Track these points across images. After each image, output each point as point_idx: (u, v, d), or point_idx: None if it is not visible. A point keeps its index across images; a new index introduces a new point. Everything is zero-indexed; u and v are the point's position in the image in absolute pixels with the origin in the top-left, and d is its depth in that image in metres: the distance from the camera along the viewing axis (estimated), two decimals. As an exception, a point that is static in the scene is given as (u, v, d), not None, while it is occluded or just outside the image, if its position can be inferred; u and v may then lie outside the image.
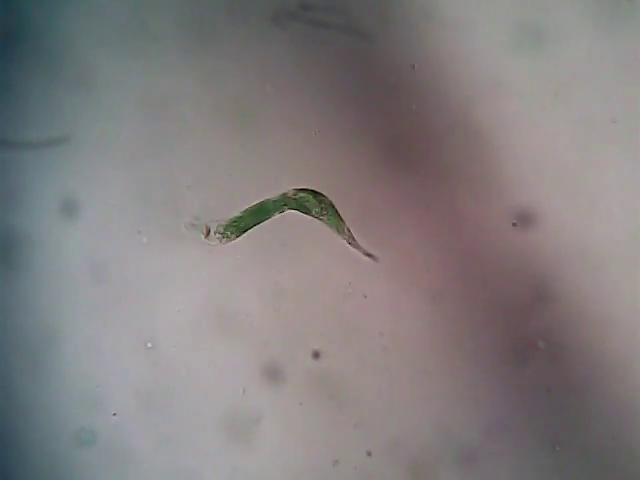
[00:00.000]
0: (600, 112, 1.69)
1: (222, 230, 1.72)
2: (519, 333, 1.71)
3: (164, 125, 1.73)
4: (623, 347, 1.68)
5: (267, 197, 1.73)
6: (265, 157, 1.73)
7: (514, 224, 1.69)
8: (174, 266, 1.74)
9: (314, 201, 1.71)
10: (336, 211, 1.72)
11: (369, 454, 1.72)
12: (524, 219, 1.69)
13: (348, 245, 1.71)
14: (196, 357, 1.74)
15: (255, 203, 1.72)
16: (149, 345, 1.72)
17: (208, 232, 1.72)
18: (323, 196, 1.71)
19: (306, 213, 1.72)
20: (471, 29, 1.69)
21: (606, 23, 1.68)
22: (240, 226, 1.72)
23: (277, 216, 1.73)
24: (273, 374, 1.73)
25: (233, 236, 1.72)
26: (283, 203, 1.72)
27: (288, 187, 1.73)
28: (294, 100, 1.73)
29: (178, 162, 1.73)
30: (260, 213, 1.72)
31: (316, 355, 1.73)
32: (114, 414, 1.73)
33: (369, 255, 1.71)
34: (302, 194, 1.71)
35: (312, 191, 1.72)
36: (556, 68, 1.69)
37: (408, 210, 1.71)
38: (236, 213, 1.72)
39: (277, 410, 1.73)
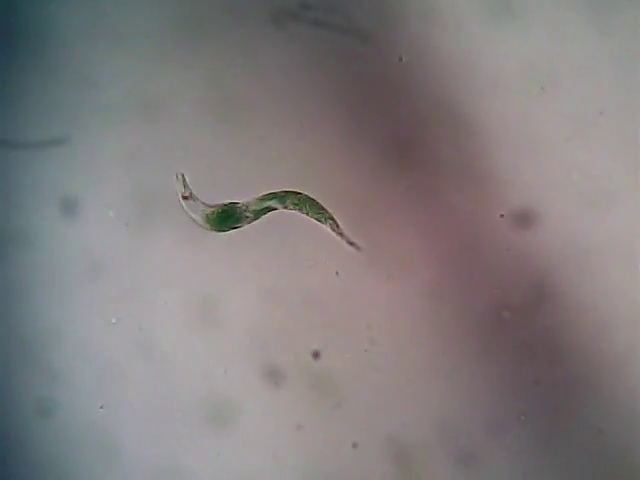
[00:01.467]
0: (587, 105, 1.69)
1: (204, 217, 1.73)
2: (517, 332, 1.71)
3: (164, 125, 1.73)
4: (622, 346, 1.68)
5: (264, 194, 1.73)
6: (265, 156, 1.73)
7: (501, 216, 1.69)
8: (173, 265, 1.74)
9: (279, 204, 1.72)
10: (315, 203, 1.72)
11: (355, 446, 1.72)
12: (520, 217, 1.70)
13: (332, 232, 1.72)
14: (195, 356, 1.74)
15: (226, 203, 1.73)
16: (113, 321, 1.72)
17: (187, 196, 1.72)
18: (293, 194, 1.72)
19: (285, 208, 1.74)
20: (466, 27, 1.70)
21: (594, 17, 1.68)
22: (210, 219, 1.73)
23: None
24: (271, 371, 1.74)
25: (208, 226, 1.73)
26: (249, 209, 1.73)
27: (286, 184, 1.73)
28: (293, 99, 1.73)
29: (178, 162, 1.73)
30: (228, 215, 1.73)
31: (316, 354, 1.74)
32: (101, 407, 1.73)
33: (352, 244, 1.72)
34: (267, 201, 1.72)
35: (283, 192, 1.73)
36: (543, 61, 1.70)
37: (404, 207, 1.72)
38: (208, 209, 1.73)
39: (265, 401, 1.74)
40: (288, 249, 1.74)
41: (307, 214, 1.73)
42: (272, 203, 1.72)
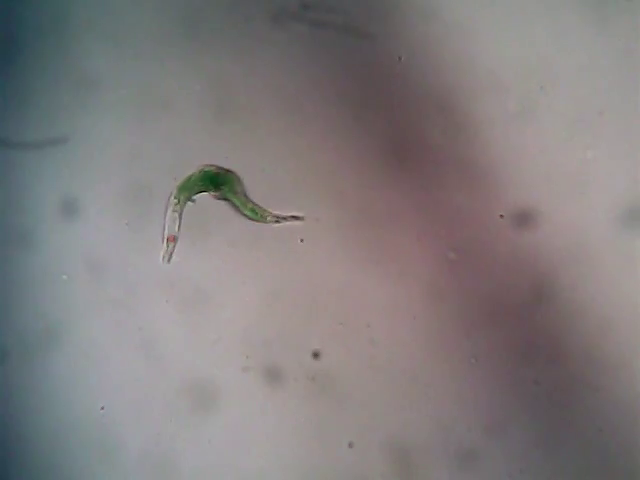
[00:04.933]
0: (587, 105, 1.69)
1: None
2: (517, 332, 1.71)
3: (164, 125, 1.73)
4: (622, 346, 1.68)
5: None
6: (265, 156, 1.73)
7: (501, 216, 1.70)
8: (171, 265, 1.74)
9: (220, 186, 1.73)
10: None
11: (351, 445, 1.72)
12: (520, 217, 1.70)
13: (275, 223, 1.73)
14: (194, 356, 1.74)
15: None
16: (64, 277, 1.72)
17: (168, 242, 1.73)
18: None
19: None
20: (466, 27, 1.70)
21: (594, 17, 1.68)
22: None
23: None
24: (271, 370, 1.74)
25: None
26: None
27: (285, 184, 1.73)
28: (293, 99, 1.73)
29: (179, 162, 1.73)
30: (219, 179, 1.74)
31: (315, 354, 1.74)
32: (102, 408, 1.73)
33: (296, 217, 1.72)
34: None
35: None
36: (543, 61, 1.70)
37: (404, 207, 1.72)
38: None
39: (264, 401, 1.74)
40: (288, 249, 1.74)
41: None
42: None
